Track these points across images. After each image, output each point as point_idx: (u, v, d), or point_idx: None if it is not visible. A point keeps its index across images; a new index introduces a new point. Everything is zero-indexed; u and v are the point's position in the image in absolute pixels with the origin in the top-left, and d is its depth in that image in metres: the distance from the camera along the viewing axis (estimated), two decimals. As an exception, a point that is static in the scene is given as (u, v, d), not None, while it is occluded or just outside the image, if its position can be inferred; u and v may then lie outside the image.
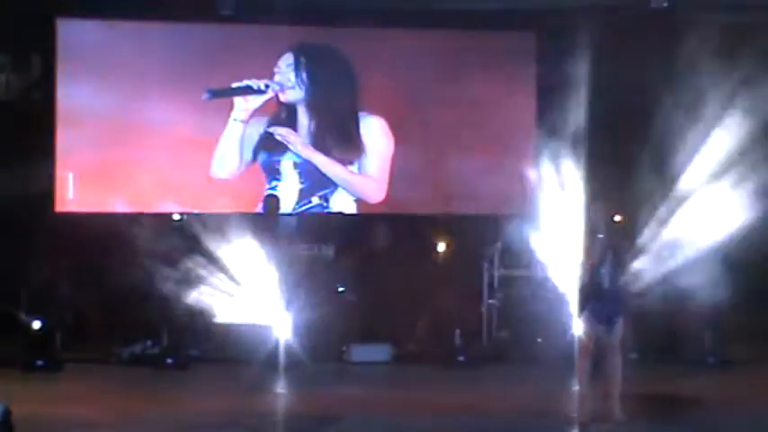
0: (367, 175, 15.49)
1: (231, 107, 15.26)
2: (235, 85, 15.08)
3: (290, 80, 15.30)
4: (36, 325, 13.46)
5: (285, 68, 15.35)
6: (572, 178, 16.13)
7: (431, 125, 15.86)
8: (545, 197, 15.92)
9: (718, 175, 15.22)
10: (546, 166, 15.99)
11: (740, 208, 15.31)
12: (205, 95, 14.90)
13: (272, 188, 15.29)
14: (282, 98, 15.31)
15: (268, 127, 15.38)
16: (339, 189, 15.54)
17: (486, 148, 15.96)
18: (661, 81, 16.06)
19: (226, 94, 15.02)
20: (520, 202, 15.34)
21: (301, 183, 15.47)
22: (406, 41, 15.77)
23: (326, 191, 15.45)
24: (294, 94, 15.38)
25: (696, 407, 11.40)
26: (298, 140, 15.27)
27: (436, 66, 15.84)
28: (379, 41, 15.70)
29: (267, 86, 15.14)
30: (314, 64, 15.41)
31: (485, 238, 14.65)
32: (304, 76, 15.35)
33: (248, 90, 15.08)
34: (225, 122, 15.29)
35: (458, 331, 13.67)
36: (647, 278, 14.01)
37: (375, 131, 15.58)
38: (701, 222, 15.06)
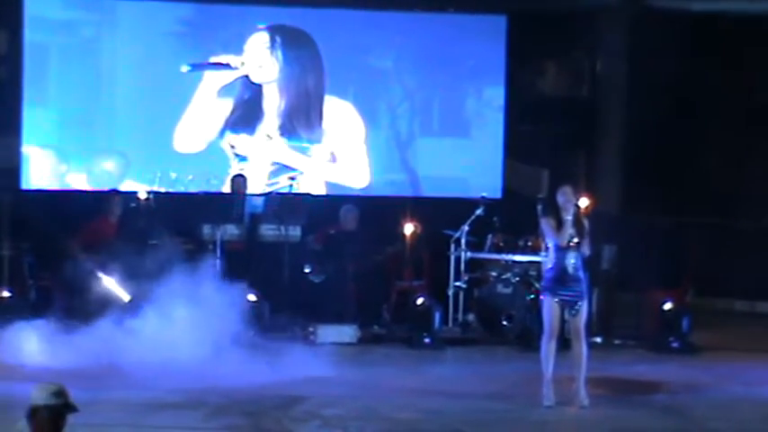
0: (346, 162, 15.58)
1: (198, 83, 15.25)
2: (213, 60, 15.16)
3: (263, 60, 15.32)
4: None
5: (257, 48, 15.32)
6: (539, 161, 16.22)
7: (399, 108, 15.88)
8: (513, 180, 16.01)
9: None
10: (515, 149, 16.06)
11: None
12: (186, 68, 15.06)
13: (240, 169, 15.28)
14: (254, 78, 15.33)
15: (234, 107, 15.37)
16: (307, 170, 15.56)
17: (454, 130, 16.00)
18: (628, 65, 16.16)
19: (204, 67, 15.19)
20: (487, 184, 15.39)
21: (270, 164, 15.49)
22: (373, 23, 15.78)
23: (295, 172, 15.43)
24: (265, 74, 15.39)
25: (661, 391, 11.47)
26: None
27: (405, 48, 15.84)
28: (345, 22, 15.70)
29: (243, 64, 15.18)
30: (288, 45, 15.44)
31: (452, 221, 14.65)
32: (279, 56, 15.38)
33: (226, 67, 15.17)
34: (191, 99, 15.26)
35: (423, 313, 13.67)
36: (612, 261, 14.14)
37: (344, 115, 15.59)
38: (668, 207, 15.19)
